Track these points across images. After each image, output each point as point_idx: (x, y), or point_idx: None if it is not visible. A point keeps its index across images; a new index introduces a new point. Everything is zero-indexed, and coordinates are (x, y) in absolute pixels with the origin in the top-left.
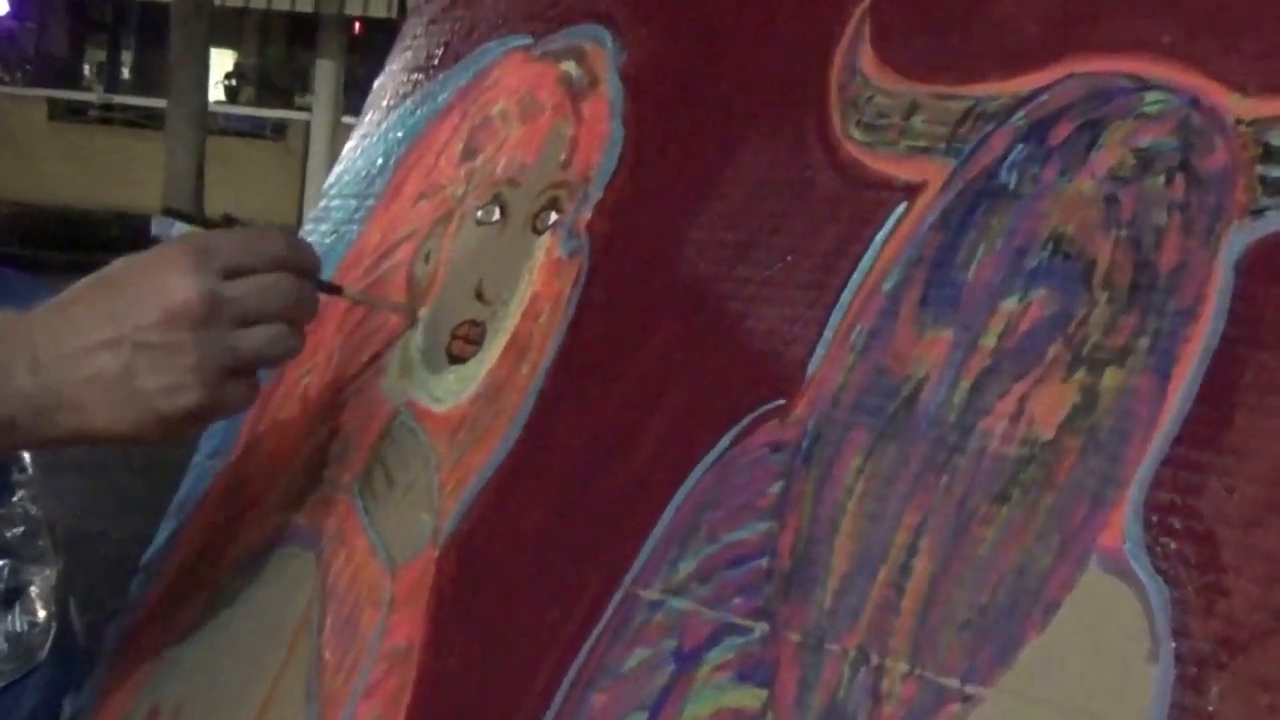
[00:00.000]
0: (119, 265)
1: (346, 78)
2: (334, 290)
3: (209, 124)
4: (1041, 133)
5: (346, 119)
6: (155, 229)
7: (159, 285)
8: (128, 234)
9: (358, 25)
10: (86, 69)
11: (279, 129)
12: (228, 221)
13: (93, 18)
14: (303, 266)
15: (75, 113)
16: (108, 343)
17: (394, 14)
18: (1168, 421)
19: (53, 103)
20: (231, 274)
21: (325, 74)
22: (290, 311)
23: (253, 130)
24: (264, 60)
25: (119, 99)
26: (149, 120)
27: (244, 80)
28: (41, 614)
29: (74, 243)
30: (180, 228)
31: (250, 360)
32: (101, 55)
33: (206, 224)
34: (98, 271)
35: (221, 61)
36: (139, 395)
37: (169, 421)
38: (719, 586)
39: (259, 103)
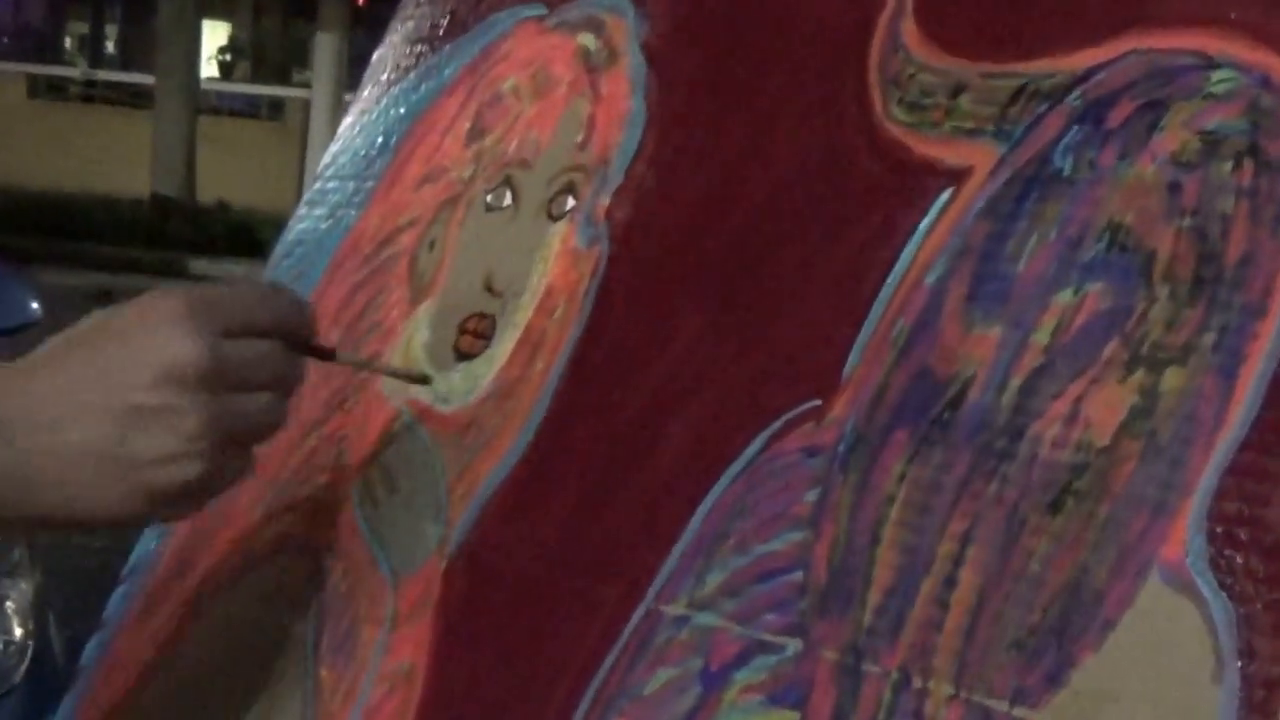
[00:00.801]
0: (99, 320)
1: (349, 53)
2: (327, 356)
3: (200, 102)
4: (1099, 114)
5: (349, 97)
6: None
7: (154, 342)
8: (112, 220)
9: None
10: (68, 42)
11: (276, 108)
12: (222, 209)
13: None
14: (300, 331)
15: (56, 90)
16: (95, 407)
17: None
18: (1234, 425)
19: (32, 79)
20: (230, 334)
21: (326, 48)
22: (284, 382)
23: (248, 109)
24: (260, 33)
25: (103, 75)
26: (136, 98)
27: (238, 55)
28: (18, 632)
29: (54, 230)
30: None
31: (248, 430)
32: (84, 27)
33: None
34: (71, 328)
35: (214, 35)
36: (131, 468)
37: (163, 498)
38: (749, 601)
39: (254, 79)
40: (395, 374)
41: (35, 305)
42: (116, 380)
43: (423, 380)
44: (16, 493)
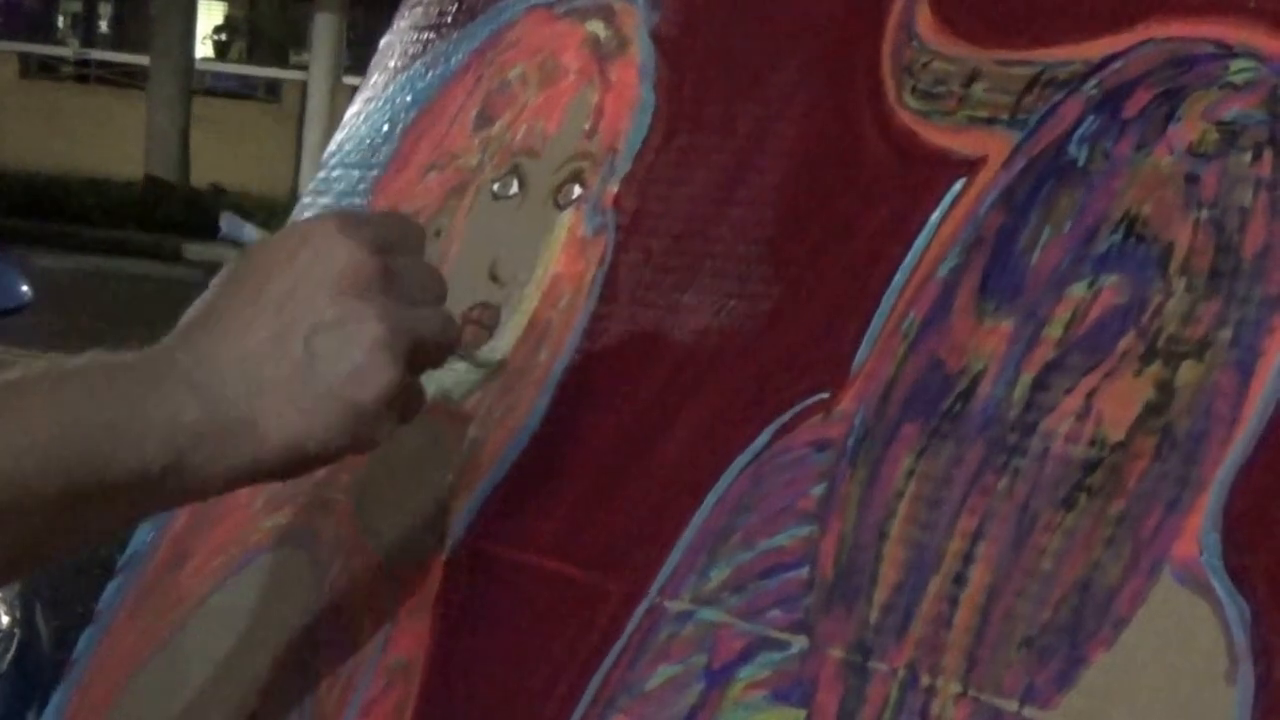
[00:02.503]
0: (249, 257)
1: (348, 34)
2: None
3: (195, 83)
4: (1115, 103)
5: (347, 79)
6: (225, 227)
7: (319, 258)
8: (105, 202)
9: None
10: (61, 21)
11: (272, 89)
12: (216, 192)
13: None
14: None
15: (48, 69)
16: (276, 338)
17: None
18: (1250, 421)
19: (24, 58)
20: (381, 250)
21: (324, 29)
22: (443, 299)
23: (243, 90)
24: (256, 13)
25: (96, 54)
26: (129, 78)
27: (234, 35)
28: (4, 620)
29: (46, 212)
30: (251, 230)
31: (427, 341)
32: (77, 6)
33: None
34: (221, 275)
35: (209, 14)
36: (325, 389)
37: (363, 415)
38: (754, 597)
39: (250, 60)
40: (474, 362)
41: (25, 288)
42: (292, 305)
43: (496, 365)
44: (215, 448)
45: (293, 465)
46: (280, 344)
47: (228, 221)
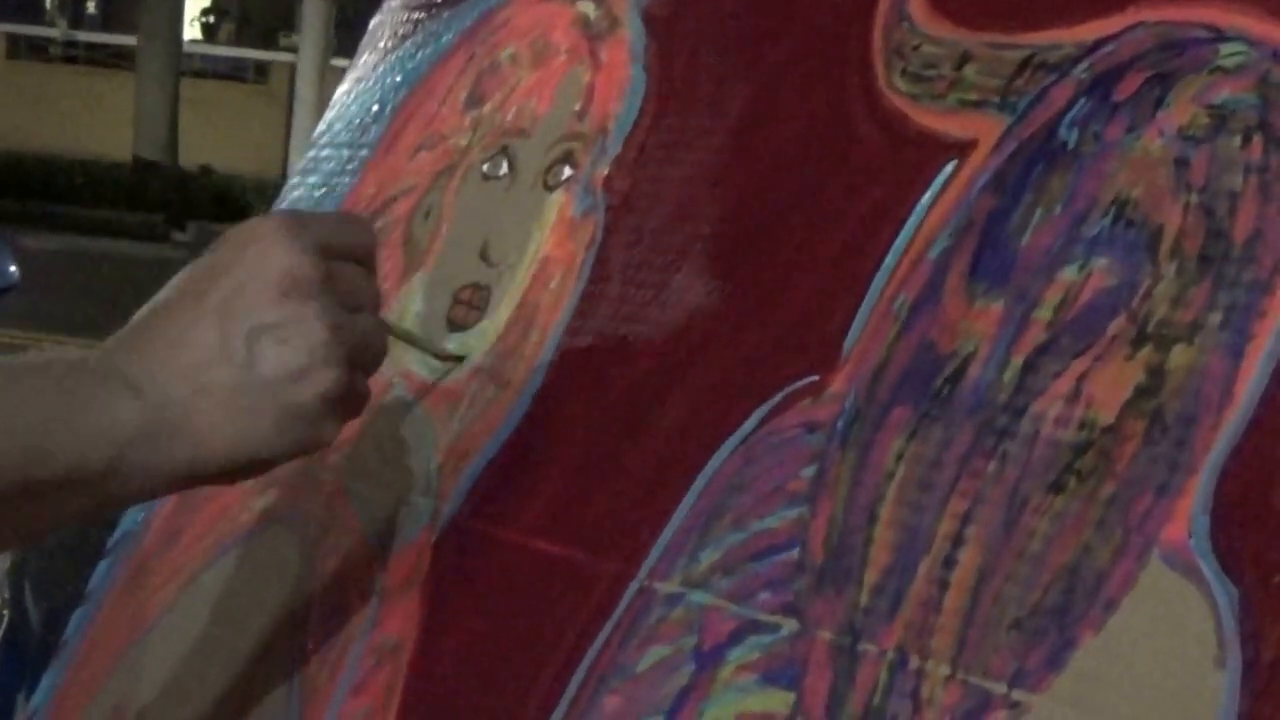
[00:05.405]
0: (199, 265)
1: (337, 16)
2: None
3: (184, 65)
4: (1106, 86)
5: (336, 61)
6: None
7: (263, 261)
8: (93, 183)
9: None
10: (49, 2)
11: (261, 71)
12: (204, 174)
13: None
14: (373, 260)
15: (37, 50)
16: (217, 341)
17: None
18: (1240, 404)
19: (12, 39)
20: (325, 254)
21: (313, 11)
22: (377, 308)
23: (232, 72)
24: None
25: (84, 36)
26: (117, 60)
27: (223, 17)
28: None
29: (34, 192)
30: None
31: (364, 348)
32: None
33: None
34: (168, 285)
35: None
36: (267, 392)
37: (304, 419)
38: (744, 579)
39: (239, 42)
40: (434, 353)
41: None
42: (234, 308)
43: (458, 359)
44: (154, 448)
45: (236, 468)
46: (222, 347)
47: None
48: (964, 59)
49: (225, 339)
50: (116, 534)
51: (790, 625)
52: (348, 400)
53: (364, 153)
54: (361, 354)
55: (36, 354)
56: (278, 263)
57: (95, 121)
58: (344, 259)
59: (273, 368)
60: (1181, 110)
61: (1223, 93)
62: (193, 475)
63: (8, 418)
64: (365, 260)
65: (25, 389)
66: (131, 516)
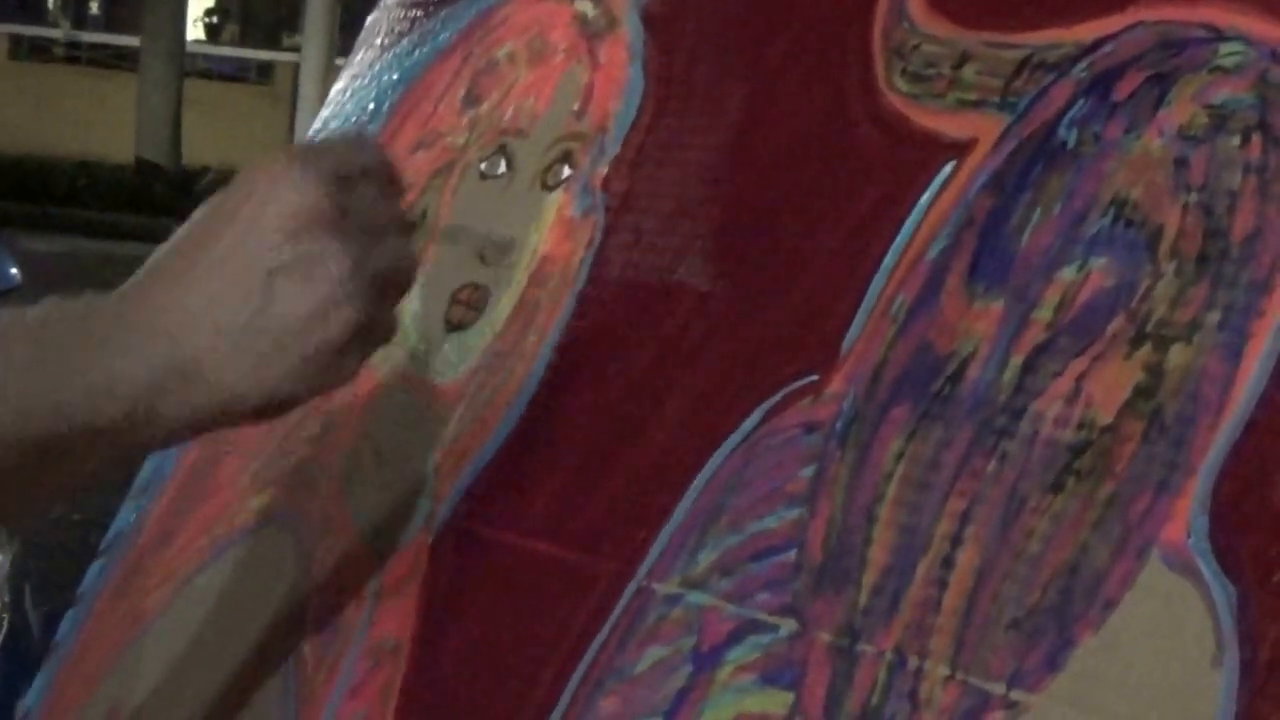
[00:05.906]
0: (209, 209)
1: (341, 16)
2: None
3: (187, 65)
4: (1105, 86)
5: (340, 62)
6: None
7: (273, 201)
8: (95, 185)
9: None
10: (51, 3)
11: (264, 71)
12: (207, 174)
13: None
14: (390, 174)
15: (39, 51)
16: (234, 283)
17: None
18: (1239, 404)
19: (14, 40)
20: (339, 180)
21: (317, 11)
22: (404, 225)
23: (235, 73)
24: None
25: (87, 36)
26: (120, 60)
27: (226, 17)
28: None
29: (36, 194)
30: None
31: (389, 272)
32: None
33: None
34: (178, 231)
35: None
36: (284, 332)
37: (323, 358)
38: (743, 580)
39: (243, 42)
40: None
41: (14, 271)
42: (247, 250)
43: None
44: (174, 398)
45: (261, 409)
46: (238, 289)
47: None
48: (963, 58)
49: (241, 282)
50: (109, 535)
51: (789, 626)
52: (374, 333)
53: None
54: (387, 282)
55: (41, 307)
56: (289, 200)
57: (98, 123)
58: (361, 182)
59: (291, 309)
60: (1181, 110)
61: (1222, 92)
62: (218, 417)
63: (36, 375)
64: (383, 179)
65: (42, 344)
66: (124, 517)
